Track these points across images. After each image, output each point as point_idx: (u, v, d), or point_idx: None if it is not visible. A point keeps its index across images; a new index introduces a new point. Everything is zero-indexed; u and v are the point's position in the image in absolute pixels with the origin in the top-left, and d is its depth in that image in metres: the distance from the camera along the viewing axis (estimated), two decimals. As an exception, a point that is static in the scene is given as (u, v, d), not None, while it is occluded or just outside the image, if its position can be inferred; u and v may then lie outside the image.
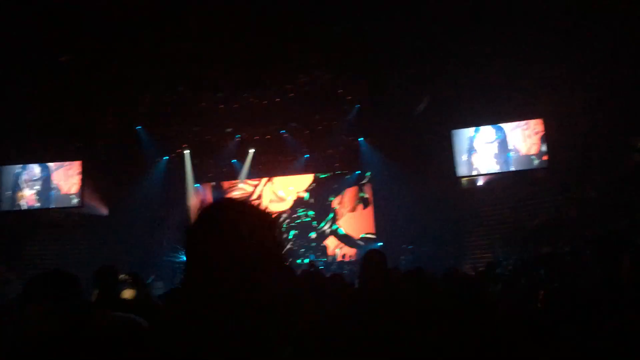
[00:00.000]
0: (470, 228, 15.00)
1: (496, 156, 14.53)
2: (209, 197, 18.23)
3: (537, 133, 14.07)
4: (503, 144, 14.47)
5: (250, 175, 17.86)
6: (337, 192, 18.22)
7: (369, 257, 3.74)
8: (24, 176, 15.33)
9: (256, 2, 11.48)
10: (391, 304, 2.23)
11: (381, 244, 16.43)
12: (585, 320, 2.38)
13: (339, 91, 15.07)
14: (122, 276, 4.21)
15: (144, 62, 13.17)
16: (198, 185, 18.14)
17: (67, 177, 15.38)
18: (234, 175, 17.87)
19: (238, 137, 16.93)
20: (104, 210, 16.25)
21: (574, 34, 12.43)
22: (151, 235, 16.28)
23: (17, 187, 15.26)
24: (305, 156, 17.52)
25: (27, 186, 15.31)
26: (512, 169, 14.35)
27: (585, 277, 3.78)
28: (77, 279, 2.27)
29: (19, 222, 15.31)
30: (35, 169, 15.42)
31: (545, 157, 13.84)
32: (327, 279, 2.74)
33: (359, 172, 17.89)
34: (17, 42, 11.78)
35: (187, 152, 17.29)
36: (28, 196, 15.25)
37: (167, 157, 17.31)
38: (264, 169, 17.98)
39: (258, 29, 12.62)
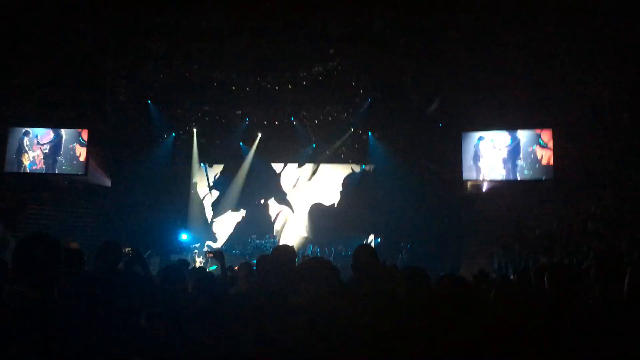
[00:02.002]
0: (471, 233, 14.93)
1: (504, 161, 14.41)
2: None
3: (547, 144, 13.96)
4: (514, 151, 14.33)
5: (255, 159, 17.65)
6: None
7: (360, 252, 3.69)
8: (33, 139, 15.31)
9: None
10: (385, 299, 2.22)
11: (379, 240, 16.36)
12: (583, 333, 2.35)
13: (352, 84, 15.00)
14: (126, 249, 4.36)
15: (161, 38, 13.14)
16: (203, 164, 18.04)
17: (74, 145, 15.36)
18: (239, 157, 17.76)
19: (247, 121, 16.87)
20: (107, 181, 16.22)
21: (588, 44, 12.38)
22: (152, 210, 16.23)
23: (22, 149, 15.25)
24: (312, 145, 17.41)
25: (34, 149, 15.31)
26: (519, 177, 14.25)
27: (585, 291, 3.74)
28: (59, 244, 2.24)
29: (23, 184, 15.32)
30: (45, 134, 15.40)
31: (552, 169, 13.74)
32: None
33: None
34: (36, 9, 11.78)
35: (194, 130, 17.22)
36: (35, 159, 15.25)
37: (175, 134, 17.25)
38: (270, 154, 17.88)
39: (276, 15, 12.57)
